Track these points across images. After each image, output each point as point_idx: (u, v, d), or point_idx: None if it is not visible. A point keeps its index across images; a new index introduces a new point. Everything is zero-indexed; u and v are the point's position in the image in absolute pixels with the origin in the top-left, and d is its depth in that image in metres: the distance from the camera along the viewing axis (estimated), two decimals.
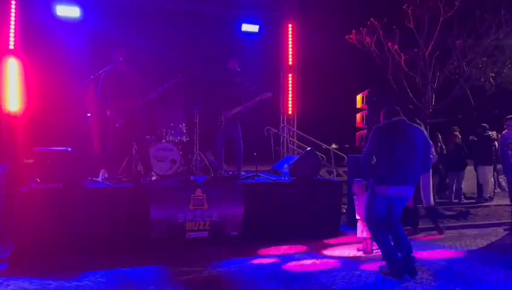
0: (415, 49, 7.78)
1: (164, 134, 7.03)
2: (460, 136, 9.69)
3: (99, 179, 5.87)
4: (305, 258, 4.99)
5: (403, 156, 4.28)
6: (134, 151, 6.49)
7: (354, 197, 5.49)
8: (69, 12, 8.46)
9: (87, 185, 5.43)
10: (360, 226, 5.28)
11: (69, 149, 5.43)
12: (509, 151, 6.54)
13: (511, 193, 6.82)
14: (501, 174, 10.75)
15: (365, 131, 7.38)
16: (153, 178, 6.30)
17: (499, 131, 8.67)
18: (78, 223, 5.03)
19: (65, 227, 4.98)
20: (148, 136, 7.11)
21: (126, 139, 6.00)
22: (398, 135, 4.37)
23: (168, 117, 7.36)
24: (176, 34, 9.18)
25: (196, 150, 7.58)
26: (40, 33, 8.24)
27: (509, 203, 8.54)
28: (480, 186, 9.66)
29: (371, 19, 7.91)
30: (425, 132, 4.53)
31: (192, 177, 6.14)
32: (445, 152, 9.63)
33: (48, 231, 4.91)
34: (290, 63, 10.01)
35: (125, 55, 6.01)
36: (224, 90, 6.86)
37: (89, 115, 6.25)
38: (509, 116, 6.83)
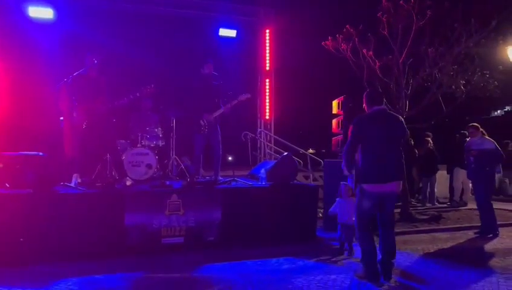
0: (390, 56, 7.94)
1: (139, 138, 6.94)
2: (432, 142, 9.94)
3: (72, 184, 5.74)
4: (282, 263, 5.01)
5: (389, 151, 4.25)
6: (108, 156, 6.38)
7: (338, 200, 5.47)
8: (42, 13, 8.29)
9: (59, 190, 5.29)
10: (340, 230, 5.32)
11: (40, 153, 5.30)
12: (471, 157, 6.85)
13: (477, 197, 7.08)
14: None
15: (341, 136, 7.48)
16: (128, 183, 6.19)
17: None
18: (49, 230, 4.88)
19: (36, 234, 4.83)
20: (123, 141, 7.00)
21: (97, 143, 5.90)
22: (382, 127, 4.29)
23: (144, 121, 7.27)
24: (153, 38, 9.11)
25: (172, 155, 7.51)
26: (11, 34, 8.04)
27: None
28: (452, 190, 9.91)
29: (347, 25, 8.04)
30: (403, 122, 4.55)
31: (168, 182, 6.08)
32: (417, 155, 9.85)
33: (18, 239, 4.75)
34: (267, 68, 10.08)
35: (98, 58, 5.94)
36: (203, 94, 6.83)
37: (61, 118, 6.11)
38: (471, 124, 7.15)
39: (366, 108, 4.57)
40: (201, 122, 6.77)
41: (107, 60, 6.18)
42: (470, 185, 10.19)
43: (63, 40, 8.20)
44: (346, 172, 4.49)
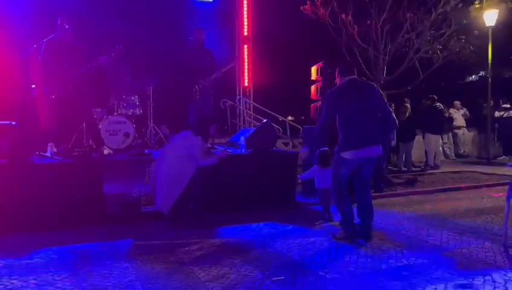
0: (368, 21, 7.89)
1: (116, 107, 6.81)
2: (410, 108, 10.07)
3: (48, 153, 5.62)
4: (262, 228, 5.09)
5: (365, 116, 4.33)
6: (84, 125, 6.25)
7: (315, 167, 5.51)
8: None
9: (35, 161, 5.19)
10: (320, 195, 5.39)
11: (13, 123, 5.14)
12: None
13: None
14: (446, 143, 11.36)
15: (319, 103, 7.50)
16: (105, 152, 6.11)
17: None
18: (26, 200, 4.81)
19: (12, 205, 4.75)
20: (99, 109, 6.86)
21: (72, 111, 5.74)
22: (355, 95, 4.37)
23: (120, 89, 7.12)
24: (127, 2, 8.78)
25: (150, 123, 7.43)
26: None
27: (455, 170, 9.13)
28: (426, 154, 10.17)
29: None
30: (378, 88, 4.62)
31: (146, 151, 6.03)
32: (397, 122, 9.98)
33: None
34: (246, 33, 9.91)
35: (71, 24, 5.69)
36: (195, 61, 6.78)
37: (33, 86, 5.91)
38: None
39: (338, 81, 4.61)
40: (194, 88, 6.73)
41: (80, 25, 5.93)
42: (441, 148, 10.54)
43: (32, 4, 7.82)
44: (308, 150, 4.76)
